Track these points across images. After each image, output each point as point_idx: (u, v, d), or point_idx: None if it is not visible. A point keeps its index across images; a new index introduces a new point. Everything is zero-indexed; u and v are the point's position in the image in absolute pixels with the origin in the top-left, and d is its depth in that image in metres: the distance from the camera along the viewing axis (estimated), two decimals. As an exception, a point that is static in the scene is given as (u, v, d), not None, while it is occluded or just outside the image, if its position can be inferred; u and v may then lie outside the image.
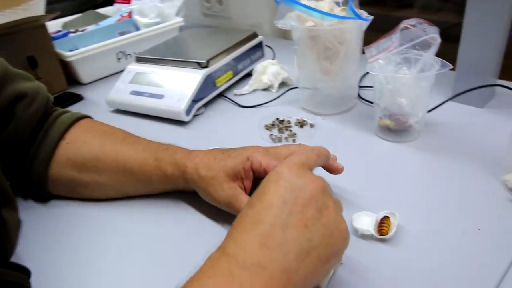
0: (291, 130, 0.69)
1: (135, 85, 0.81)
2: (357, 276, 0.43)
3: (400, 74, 0.60)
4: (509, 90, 0.69)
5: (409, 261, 0.44)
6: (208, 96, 0.79)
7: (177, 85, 0.77)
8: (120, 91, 0.81)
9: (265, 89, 0.86)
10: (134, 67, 0.84)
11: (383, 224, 0.47)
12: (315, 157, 0.43)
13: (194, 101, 0.75)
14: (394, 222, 0.48)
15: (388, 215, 0.49)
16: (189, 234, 0.51)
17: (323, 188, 0.37)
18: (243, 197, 0.47)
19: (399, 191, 0.54)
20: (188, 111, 0.74)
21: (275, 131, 0.70)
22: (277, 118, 0.73)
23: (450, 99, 0.68)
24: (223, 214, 0.50)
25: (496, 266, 0.43)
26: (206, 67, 0.78)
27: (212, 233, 0.50)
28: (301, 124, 0.71)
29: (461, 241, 0.46)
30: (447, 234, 0.47)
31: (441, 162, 0.59)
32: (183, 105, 0.74)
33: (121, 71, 0.85)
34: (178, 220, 0.53)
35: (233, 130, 0.73)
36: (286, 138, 0.68)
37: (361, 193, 0.54)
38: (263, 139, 0.68)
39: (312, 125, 0.71)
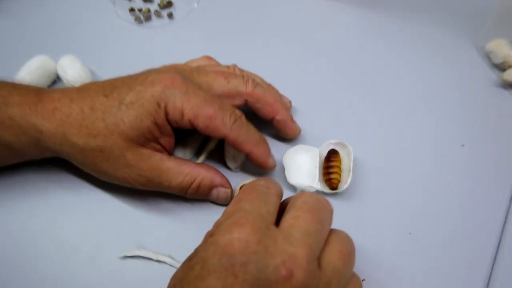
0: (163, -5, 0.43)
1: None
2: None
3: None
4: None
5: (375, 221, 0.29)
6: None
7: None
8: None
9: None
10: None
11: (331, 169, 0.30)
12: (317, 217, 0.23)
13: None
14: (346, 160, 0.31)
15: (336, 148, 0.31)
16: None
17: (305, 284, 0.20)
18: (169, 164, 0.29)
19: (341, 86, 0.36)
20: (-20, -19, 0.43)
21: (138, 1, 0.43)
22: (138, -27, 0.45)
23: None
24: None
25: (496, 207, 0.30)
26: None
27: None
28: (178, -21, 0.44)
29: (442, 167, 0.31)
30: (422, 161, 0.32)
31: (390, 26, 0.39)
32: (-35, -29, 0.42)
33: None
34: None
35: (72, 8, 0.44)
36: (157, 12, 0.42)
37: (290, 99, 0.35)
38: (121, 19, 0.42)
39: (195, -20, 0.44)
